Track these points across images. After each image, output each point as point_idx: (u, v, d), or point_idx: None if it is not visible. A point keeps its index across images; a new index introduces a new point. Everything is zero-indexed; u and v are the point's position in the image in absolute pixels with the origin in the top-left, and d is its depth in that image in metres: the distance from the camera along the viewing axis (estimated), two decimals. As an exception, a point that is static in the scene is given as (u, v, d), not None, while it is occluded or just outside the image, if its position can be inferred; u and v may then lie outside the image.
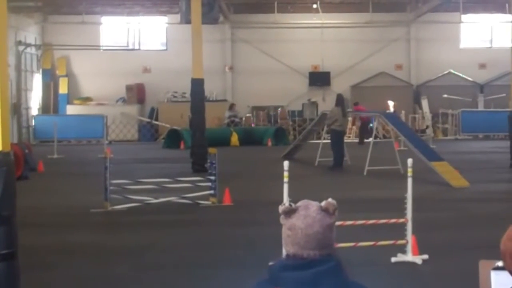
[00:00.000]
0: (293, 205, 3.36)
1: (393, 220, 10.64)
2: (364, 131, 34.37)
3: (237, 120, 37.28)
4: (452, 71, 40.60)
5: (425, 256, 10.42)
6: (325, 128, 24.77)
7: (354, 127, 37.48)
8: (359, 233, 10.58)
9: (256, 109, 40.05)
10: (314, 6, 38.68)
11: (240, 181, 19.93)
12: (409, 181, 10.44)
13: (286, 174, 9.98)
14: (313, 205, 3.34)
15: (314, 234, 3.27)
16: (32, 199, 15.71)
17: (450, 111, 39.04)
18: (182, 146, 31.86)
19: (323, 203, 3.34)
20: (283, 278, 3.26)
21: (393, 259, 10.33)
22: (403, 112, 35.17)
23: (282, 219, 3.39)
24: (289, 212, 3.35)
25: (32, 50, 38.26)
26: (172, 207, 15.65)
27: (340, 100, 23.39)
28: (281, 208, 3.38)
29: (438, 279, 9.77)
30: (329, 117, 23.15)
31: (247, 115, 39.02)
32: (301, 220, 3.30)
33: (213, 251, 11.52)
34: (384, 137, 34.26)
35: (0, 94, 5.92)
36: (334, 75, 40.68)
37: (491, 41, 42.39)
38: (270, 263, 3.48)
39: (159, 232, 13.28)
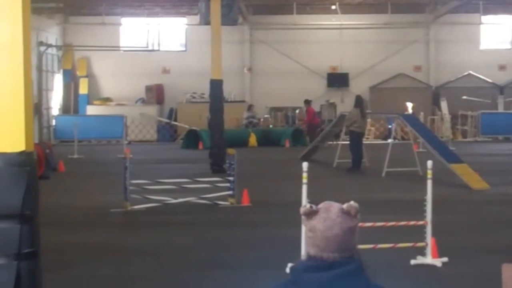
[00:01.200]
0: (314, 207, 3.36)
1: (412, 222, 10.61)
2: (311, 133, 33.80)
3: (255, 121, 37.27)
4: (472, 72, 40.42)
5: (445, 259, 10.37)
6: (343, 129, 24.72)
7: (373, 129, 37.41)
8: (378, 235, 10.54)
9: (274, 110, 40.05)
10: (333, 7, 38.63)
11: (258, 182, 19.92)
12: (429, 183, 10.39)
13: (305, 175, 9.95)
14: (335, 208, 3.34)
15: (334, 236, 3.27)
16: (52, 199, 15.76)
17: (469, 113, 38.85)
18: (200, 146, 31.91)
19: (344, 206, 3.34)
20: (305, 279, 3.27)
21: (413, 262, 10.30)
22: (421, 113, 35.03)
23: (303, 221, 3.40)
24: (310, 214, 3.35)
25: (53, 50, 38.44)
26: (191, 208, 15.66)
27: (359, 102, 23.34)
28: (302, 210, 3.38)
29: (458, 282, 9.74)
30: (348, 118, 23.10)
31: (265, 116, 39.00)
32: (321, 222, 3.30)
33: (232, 252, 11.52)
34: (403, 138, 34.15)
35: (24, 94, 5.95)
36: (352, 76, 40.61)
37: (511, 43, 42.18)
38: (292, 264, 3.49)
39: (178, 232, 13.31)
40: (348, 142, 23.22)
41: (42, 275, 6.09)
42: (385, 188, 19.09)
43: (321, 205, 3.37)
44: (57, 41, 39.14)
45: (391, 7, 38.39)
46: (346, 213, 3.32)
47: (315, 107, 39.90)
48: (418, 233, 10.51)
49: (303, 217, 3.39)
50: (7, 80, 5.93)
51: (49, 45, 37.22)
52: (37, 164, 6.12)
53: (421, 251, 10.41)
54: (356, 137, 22.81)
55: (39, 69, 35.86)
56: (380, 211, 13.64)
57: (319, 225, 3.29)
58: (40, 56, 36.04)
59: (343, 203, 3.37)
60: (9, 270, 5.79)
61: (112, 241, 12.48)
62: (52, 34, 38.35)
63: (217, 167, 21.69)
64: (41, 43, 36.14)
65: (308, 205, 3.37)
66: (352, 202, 3.35)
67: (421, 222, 10.44)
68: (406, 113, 32.69)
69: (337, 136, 27.10)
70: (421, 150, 25.95)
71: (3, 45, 5.92)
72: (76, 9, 39.26)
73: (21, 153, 5.89)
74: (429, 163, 10.67)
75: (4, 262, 5.81)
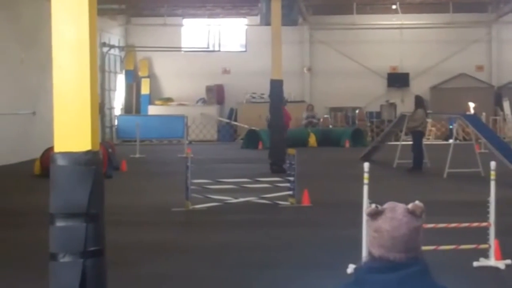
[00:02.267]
0: (379, 207, 3.34)
1: (475, 224, 10.49)
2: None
3: (315, 121, 37.21)
4: (536, 72, 39.77)
5: (508, 261, 10.23)
6: (404, 130, 24.54)
7: (434, 129, 37.05)
8: (440, 236, 10.44)
9: (334, 110, 39.92)
10: (394, 6, 38.36)
11: (319, 182, 19.88)
12: (492, 184, 10.26)
13: (366, 175, 9.90)
14: (400, 207, 3.31)
15: (401, 236, 3.25)
16: (115, 198, 15.91)
17: (532, 113, 38.25)
18: (260, 146, 31.95)
19: (410, 205, 3.31)
20: (369, 280, 3.25)
21: (475, 264, 10.17)
22: (483, 114, 34.59)
23: (368, 221, 3.38)
24: (375, 214, 3.32)
25: (116, 51, 38.85)
26: (251, 207, 15.70)
27: (421, 102, 23.21)
28: (367, 210, 3.36)
29: (521, 284, 9.60)
30: (414, 119, 22.80)
31: (325, 116, 38.92)
32: (388, 222, 3.27)
33: (292, 252, 11.52)
34: (464, 139, 33.76)
35: (90, 95, 6.02)
36: (413, 76, 40.25)
37: None
38: (355, 266, 3.47)
39: (238, 231, 13.34)
40: (410, 142, 23.11)
41: (107, 273, 6.15)
42: (447, 189, 18.89)
43: (386, 205, 3.35)
44: (119, 42, 39.56)
45: (453, 6, 37.98)
46: (411, 212, 3.29)
47: (375, 107, 39.72)
48: (481, 235, 10.39)
49: (367, 217, 3.36)
50: (74, 81, 6.01)
51: (112, 46, 37.64)
52: (102, 164, 6.19)
53: (484, 253, 10.28)
54: (421, 137, 22.73)
55: (102, 69, 36.28)
56: (442, 212, 13.50)
57: (386, 225, 3.26)
58: (103, 57, 36.46)
59: (405, 203, 3.35)
60: (75, 268, 5.86)
61: (174, 240, 12.57)
62: (114, 35, 38.77)
63: (277, 167, 21.70)
64: (104, 44, 36.56)
65: (373, 205, 3.35)
66: (417, 202, 3.33)
67: (484, 224, 10.32)
68: (468, 113, 32.31)
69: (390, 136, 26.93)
70: (483, 150, 25.63)
71: (70, 46, 6.00)
72: (138, 10, 39.62)
73: (87, 152, 5.96)
74: (492, 164, 10.53)
75: (70, 260, 5.88)
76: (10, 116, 25.70)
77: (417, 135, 22.71)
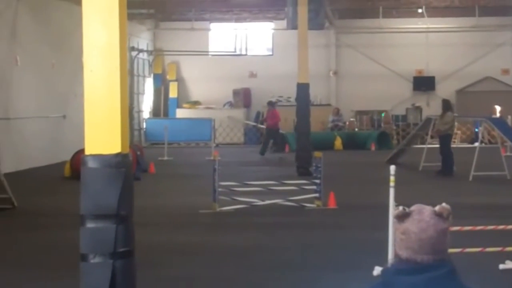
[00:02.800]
0: (406, 209, 3.34)
1: (501, 227, 10.42)
2: (268, 138, 31.21)
3: (341, 124, 37.15)
4: (561, 75, 39.43)
5: (534, 264, 10.17)
6: (430, 133, 24.43)
7: (459, 132, 36.83)
8: (466, 239, 10.38)
9: (359, 113, 39.79)
10: (419, 10, 38.19)
11: (345, 184, 19.84)
12: (517, 187, 10.20)
13: (392, 178, 9.87)
14: (427, 210, 3.31)
15: (428, 239, 3.24)
16: (144, 200, 15.94)
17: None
18: (287, 149, 31.92)
19: (437, 208, 3.31)
20: (396, 282, 3.24)
21: (501, 266, 10.10)
22: (509, 117, 34.32)
23: (395, 223, 3.37)
24: (403, 217, 3.32)
25: (144, 55, 39.00)
26: (278, 210, 15.70)
27: (449, 105, 23.12)
28: (395, 213, 3.36)
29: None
30: (445, 122, 22.56)
31: (351, 119, 38.81)
32: (415, 224, 3.27)
33: (319, 254, 11.51)
34: (490, 142, 33.54)
35: (120, 98, 6.06)
36: (438, 79, 40.03)
37: None
38: (382, 268, 3.47)
39: (265, 233, 13.35)
40: (436, 146, 23.01)
41: (136, 274, 6.18)
42: (473, 192, 18.77)
43: (413, 208, 3.34)
44: (148, 46, 39.69)
45: (478, 10, 37.76)
46: (438, 215, 3.29)
47: (401, 110, 39.57)
48: (507, 237, 10.33)
49: (395, 219, 3.36)
50: (104, 85, 6.05)
51: (141, 50, 37.76)
52: (132, 166, 6.22)
53: (510, 256, 10.20)
54: (449, 141, 22.64)
55: (131, 73, 36.41)
56: (467, 215, 13.42)
57: (413, 227, 3.26)
58: (131, 61, 36.59)
59: (432, 206, 3.34)
60: (105, 269, 5.89)
61: (201, 241, 12.60)
62: (143, 40, 38.92)
63: (303, 169, 21.71)
64: (132, 48, 36.69)
65: (401, 208, 3.34)
66: (444, 204, 3.32)
67: (510, 227, 10.26)
68: (493, 116, 32.10)
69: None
70: (508, 154, 25.49)
71: (100, 51, 6.04)
72: (167, 15, 39.75)
73: (117, 155, 6.00)
74: (518, 167, 10.47)
75: (100, 261, 5.92)
76: (41, 119, 25.88)
77: (446, 138, 22.59)
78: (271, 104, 32.38)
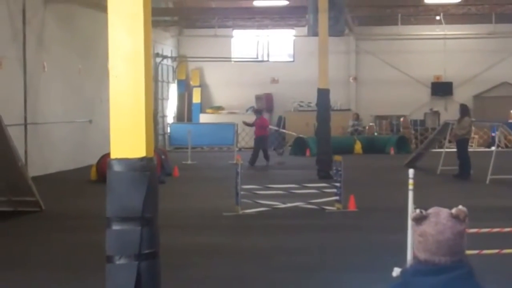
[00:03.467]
0: (424, 212, 3.33)
1: (517, 229, 10.36)
2: (257, 148, 28.44)
3: (360, 129, 37.10)
4: None
5: (550, 265, 10.10)
6: (448, 137, 24.33)
7: (476, 137, 36.63)
8: (483, 241, 10.32)
9: (379, 118, 39.70)
10: (437, 17, 38.07)
11: (364, 188, 19.78)
12: (534, 190, 10.14)
13: (411, 181, 9.83)
14: (444, 212, 3.31)
15: (445, 240, 3.24)
16: (168, 203, 15.98)
17: None
18: (308, 153, 31.89)
19: (453, 210, 3.31)
20: (415, 283, 3.24)
21: (518, 268, 10.05)
22: (526, 122, 34.13)
23: (413, 226, 3.37)
24: (420, 219, 3.32)
25: (168, 62, 39.10)
26: (299, 212, 15.68)
27: (467, 110, 23.01)
28: (412, 215, 3.35)
29: None
30: (463, 127, 22.40)
31: (370, 124, 38.73)
32: (432, 227, 3.27)
33: (339, 255, 11.50)
34: (506, 146, 33.36)
35: (145, 103, 6.07)
36: (456, 85, 39.88)
37: None
38: (401, 269, 3.46)
39: (287, 235, 13.34)
40: (454, 150, 22.93)
41: (161, 275, 6.19)
42: (490, 195, 18.67)
43: (430, 210, 3.35)
44: (172, 52, 39.80)
45: (495, 17, 37.60)
46: (455, 217, 3.29)
47: (419, 115, 39.43)
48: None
49: (412, 222, 3.36)
50: (130, 90, 6.06)
51: (165, 57, 37.87)
52: (156, 169, 6.23)
53: (527, 258, 10.16)
54: (466, 145, 22.56)
55: (155, 79, 36.52)
56: (484, 218, 13.35)
57: (430, 229, 3.26)
58: (156, 67, 36.71)
59: (449, 208, 3.34)
60: (130, 270, 5.90)
61: (225, 243, 12.61)
62: (167, 46, 39.03)
63: (324, 173, 21.67)
64: (157, 55, 36.82)
65: (418, 211, 3.34)
66: (460, 207, 3.32)
67: (526, 229, 10.19)
68: (510, 121, 31.94)
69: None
70: (525, 157, 25.30)
71: (126, 57, 6.06)
72: (190, 22, 39.85)
73: (142, 158, 6.01)
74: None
75: (125, 262, 5.93)
76: (68, 124, 26.01)
77: (463, 142, 22.48)
78: (258, 112, 30.73)
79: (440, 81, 40.10)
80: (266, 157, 28.03)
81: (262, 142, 28.37)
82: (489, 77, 39.00)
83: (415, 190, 9.89)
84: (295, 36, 40.25)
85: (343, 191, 16.01)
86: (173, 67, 40.00)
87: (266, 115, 39.01)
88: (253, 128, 29.18)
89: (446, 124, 24.95)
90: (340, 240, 12.79)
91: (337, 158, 16.66)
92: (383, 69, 39.84)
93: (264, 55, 39.29)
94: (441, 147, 26.15)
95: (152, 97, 6.48)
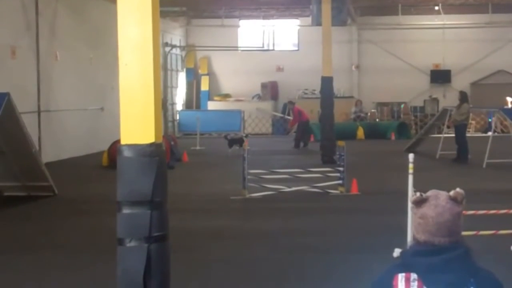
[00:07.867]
0: (423, 195, 3.32)
1: (514, 211, 10.34)
2: (300, 134, 29.61)
3: (362, 115, 37.05)
4: None
5: (546, 246, 10.08)
6: (446, 123, 24.26)
7: (474, 122, 36.56)
8: (480, 222, 10.32)
9: (380, 105, 39.61)
10: (436, 8, 37.92)
11: (366, 172, 19.77)
12: (530, 173, 10.12)
13: (411, 165, 9.83)
14: (442, 195, 3.31)
15: (445, 222, 3.24)
16: (178, 187, 15.98)
17: None
18: (312, 139, 31.86)
19: (451, 193, 3.30)
20: (415, 263, 3.24)
21: (513, 248, 10.04)
22: (521, 107, 34.01)
23: (413, 208, 3.36)
24: (420, 202, 3.32)
25: (177, 51, 39.05)
26: (304, 196, 15.68)
27: (466, 97, 22.97)
28: (412, 198, 3.35)
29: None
30: (461, 113, 22.44)
31: (372, 110, 38.66)
32: (432, 209, 3.27)
33: (341, 237, 11.51)
34: (502, 131, 33.25)
35: (153, 91, 6.06)
36: (454, 73, 39.78)
37: None
38: (401, 250, 3.46)
39: (292, 218, 13.34)
40: (452, 135, 22.90)
41: (170, 257, 6.18)
42: (486, 178, 18.66)
43: (429, 193, 3.34)
44: (180, 42, 39.74)
45: (492, 7, 37.44)
46: (453, 199, 3.29)
47: (419, 102, 39.37)
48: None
49: (412, 205, 3.35)
50: (139, 78, 6.04)
51: (174, 46, 37.83)
52: (165, 155, 6.21)
53: (522, 238, 10.14)
54: (464, 130, 22.51)
55: (165, 68, 36.51)
56: (481, 200, 13.34)
57: (430, 211, 3.26)
58: (165, 56, 36.68)
59: (447, 191, 3.33)
60: (140, 252, 5.90)
61: (233, 226, 12.62)
62: (176, 36, 38.98)
63: (328, 158, 21.66)
64: (166, 44, 36.77)
65: (418, 194, 3.33)
66: (458, 189, 3.32)
67: (522, 211, 10.18)
68: (505, 107, 31.84)
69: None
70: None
71: (135, 46, 6.04)
72: (198, 12, 39.74)
73: (151, 144, 5.99)
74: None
75: (136, 245, 5.92)
76: (80, 111, 26.02)
77: (462, 128, 22.46)
78: (291, 103, 31.78)
79: (439, 69, 40.01)
80: (305, 141, 29.28)
81: (304, 127, 29.72)
82: (486, 65, 38.92)
83: (415, 174, 9.88)
84: (299, 26, 40.15)
85: (346, 175, 16.01)
86: (181, 56, 39.96)
87: (271, 103, 39.10)
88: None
89: (445, 110, 24.89)
90: (343, 222, 12.79)
91: (340, 143, 16.64)
92: (384, 58, 39.75)
93: (269, 44, 39.21)
94: (440, 132, 26.08)
95: (161, 85, 6.46)
